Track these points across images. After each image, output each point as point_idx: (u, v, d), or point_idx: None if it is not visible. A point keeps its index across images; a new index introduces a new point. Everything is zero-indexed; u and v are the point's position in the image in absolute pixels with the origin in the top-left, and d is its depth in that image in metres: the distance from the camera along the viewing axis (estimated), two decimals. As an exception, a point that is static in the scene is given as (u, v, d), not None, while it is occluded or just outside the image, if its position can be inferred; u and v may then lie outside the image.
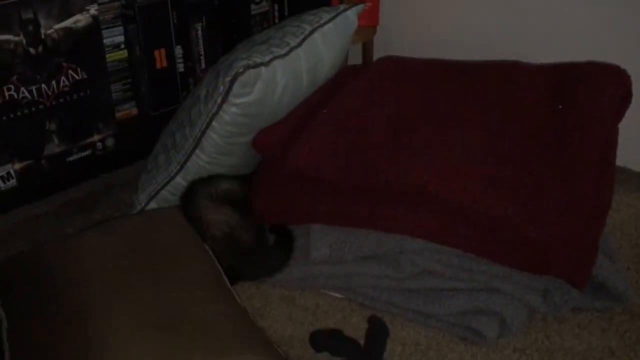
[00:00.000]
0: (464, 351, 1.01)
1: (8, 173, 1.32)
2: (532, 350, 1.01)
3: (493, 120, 1.15)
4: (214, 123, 1.15)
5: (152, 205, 1.26)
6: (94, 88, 1.40)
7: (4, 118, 1.28)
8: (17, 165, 1.33)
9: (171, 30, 1.51)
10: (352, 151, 1.11)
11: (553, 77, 1.21)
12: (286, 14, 1.70)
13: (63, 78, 1.34)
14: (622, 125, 1.17)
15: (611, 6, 1.38)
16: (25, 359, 0.90)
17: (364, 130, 1.15)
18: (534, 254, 1.00)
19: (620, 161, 1.14)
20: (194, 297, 0.94)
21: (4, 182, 1.32)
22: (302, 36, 1.19)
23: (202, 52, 1.59)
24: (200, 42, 1.58)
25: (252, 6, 1.65)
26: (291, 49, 1.16)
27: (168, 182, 1.24)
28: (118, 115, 1.46)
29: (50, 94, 1.33)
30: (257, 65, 1.11)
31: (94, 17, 1.36)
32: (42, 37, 1.29)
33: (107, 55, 1.41)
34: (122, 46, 1.44)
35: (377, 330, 1.03)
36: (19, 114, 1.29)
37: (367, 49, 1.69)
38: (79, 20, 1.34)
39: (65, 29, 1.32)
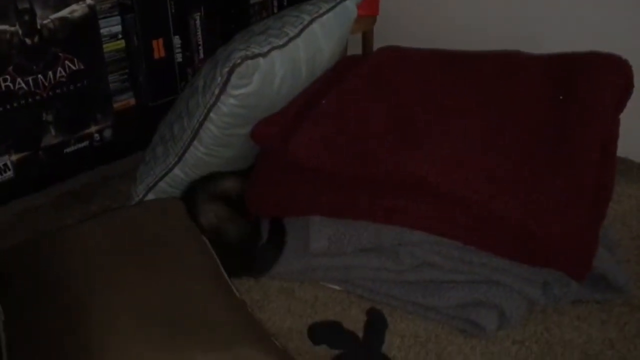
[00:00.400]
0: (463, 343, 1.01)
1: (5, 164, 1.31)
2: (531, 342, 1.01)
3: (493, 112, 1.15)
4: (211, 114, 1.14)
5: (150, 196, 1.25)
6: (91, 78, 1.38)
7: (0, 109, 1.27)
8: (14, 157, 1.32)
9: (169, 20, 1.49)
10: (352, 141, 1.10)
11: (554, 67, 1.20)
12: (285, 3, 1.68)
13: (60, 68, 1.33)
14: (622, 116, 1.16)
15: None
16: (23, 352, 0.89)
17: (363, 120, 1.14)
18: (534, 247, 0.99)
19: (621, 152, 1.14)
20: (192, 291, 0.94)
21: (1, 174, 1.31)
22: (300, 26, 1.17)
23: (201, 42, 1.57)
24: (199, 32, 1.56)
25: (251, -5, 1.63)
26: (290, 39, 1.15)
27: (166, 173, 1.23)
28: (116, 105, 1.45)
29: (46, 84, 1.32)
30: (255, 56, 1.10)
31: (90, 6, 1.34)
32: (38, 27, 1.27)
33: (104, 46, 1.39)
34: (120, 36, 1.42)
35: (376, 323, 1.03)
36: (15, 105, 1.28)
37: (367, 38, 1.68)
38: (75, 10, 1.32)
39: (62, 19, 1.30)
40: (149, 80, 1.49)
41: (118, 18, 1.40)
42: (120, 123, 1.45)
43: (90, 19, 1.35)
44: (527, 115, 1.13)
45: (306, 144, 1.09)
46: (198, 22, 1.55)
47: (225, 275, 1.03)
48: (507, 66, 1.23)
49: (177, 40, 1.52)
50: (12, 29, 1.24)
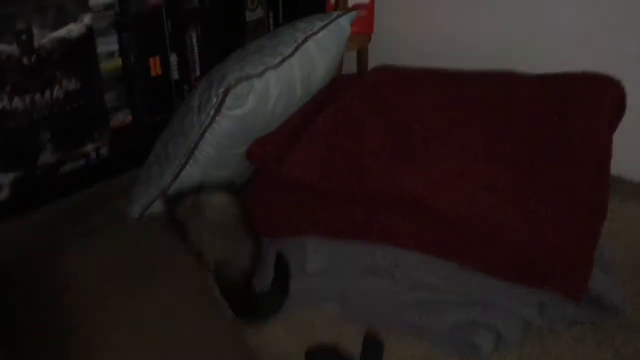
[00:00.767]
0: (459, 365, 1.01)
1: (2, 183, 1.31)
2: (527, 364, 1.00)
3: (492, 123, 1.15)
4: (207, 135, 1.15)
5: (146, 216, 1.25)
6: (88, 97, 1.39)
7: (-2, 129, 1.27)
8: (12, 175, 1.32)
9: (166, 38, 1.50)
10: (348, 157, 1.10)
11: (547, 88, 1.21)
12: (281, 21, 1.69)
13: (57, 88, 1.33)
14: (616, 134, 1.16)
15: (607, 14, 1.38)
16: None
17: (359, 136, 1.14)
18: (531, 268, 0.99)
19: (614, 170, 1.14)
20: (185, 312, 0.94)
21: (-2, 193, 1.31)
22: (295, 45, 1.18)
23: (197, 60, 1.58)
24: (196, 50, 1.57)
25: (248, 13, 1.64)
26: (284, 59, 1.16)
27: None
28: (113, 123, 1.46)
29: (44, 103, 1.32)
30: (250, 78, 1.10)
31: (87, 26, 1.35)
32: (36, 47, 1.28)
33: (101, 64, 1.40)
34: (117, 54, 1.43)
35: (373, 344, 1.03)
36: (12, 124, 1.29)
37: (362, 56, 1.69)
38: (73, 30, 1.33)
39: (59, 39, 1.31)
40: (146, 98, 1.50)
41: (115, 36, 1.41)
42: (118, 140, 1.46)
43: (88, 38, 1.36)
44: (525, 129, 1.13)
45: (301, 163, 1.10)
46: (195, 40, 1.56)
47: (219, 294, 1.03)
48: (502, 86, 1.23)
49: (174, 58, 1.53)
50: (10, 48, 1.24)
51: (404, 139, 1.13)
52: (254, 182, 1.26)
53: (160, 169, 1.25)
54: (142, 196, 1.26)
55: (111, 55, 1.42)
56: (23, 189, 1.33)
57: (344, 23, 1.27)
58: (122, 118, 1.48)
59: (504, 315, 1.02)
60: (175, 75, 1.54)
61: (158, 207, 1.25)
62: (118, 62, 1.43)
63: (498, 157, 1.09)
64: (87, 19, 1.34)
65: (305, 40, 1.20)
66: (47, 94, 1.32)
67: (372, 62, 1.67)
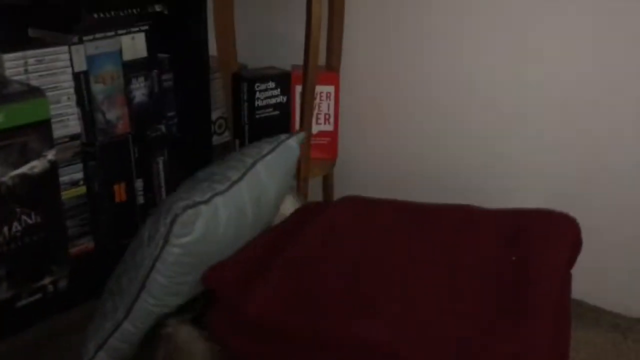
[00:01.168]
0: None
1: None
2: None
3: (449, 273, 1.13)
4: (157, 265, 1.13)
5: (101, 355, 1.20)
6: (48, 230, 1.39)
7: (-48, 268, 1.26)
8: (-35, 314, 1.29)
9: (132, 165, 1.54)
10: (307, 300, 1.07)
11: (505, 225, 1.21)
12: (246, 143, 1.73)
13: (15, 223, 1.34)
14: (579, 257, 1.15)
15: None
16: None
17: (322, 277, 1.12)
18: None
19: (576, 294, 1.11)
20: None
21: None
22: (243, 169, 1.20)
23: (163, 184, 1.60)
24: (162, 174, 1.60)
25: (215, 137, 1.70)
26: (232, 184, 1.17)
27: (115, 329, 1.19)
28: (74, 250, 1.45)
29: (1, 240, 1.32)
30: (196, 204, 1.10)
31: (51, 162, 1.38)
32: (-4, 184, 1.30)
33: (64, 192, 1.41)
34: (81, 182, 1.45)
35: None
36: (-32, 262, 1.28)
37: (327, 181, 1.70)
38: (36, 166, 1.36)
39: (21, 175, 1.34)
40: (109, 223, 1.50)
41: (80, 165, 1.44)
42: (78, 269, 1.44)
43: (51, 172, 1.39)
44: (484, 271, 1.11)
45: (261, 305, 1.06)
46: (161, 165, 1.60)
47: None
48: (461, 223, 1.24)
49: (139, 183, 1.55)
50: (-30, 188, 1.27)
51: (366, 282, 1.11)
52: (215, 311, 1.20)
53: (113, 303, 1.21)
54: (95, 333, 1.21)
55: (75, 183, 1.44)
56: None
57: (292, 143, 1.29)
58: (84, 244, 1.47)
59: None
60: (140, 199, 1.56)
61: (113, 343, 1.19)
62: (82, 189, 1.45)
63: (457, 302, 1.06)
64: (50, 154, 1.38)
65: (253, 164, 1.21)
66: (5, 230, 1.32)
67: (338, 188, 1.68)
